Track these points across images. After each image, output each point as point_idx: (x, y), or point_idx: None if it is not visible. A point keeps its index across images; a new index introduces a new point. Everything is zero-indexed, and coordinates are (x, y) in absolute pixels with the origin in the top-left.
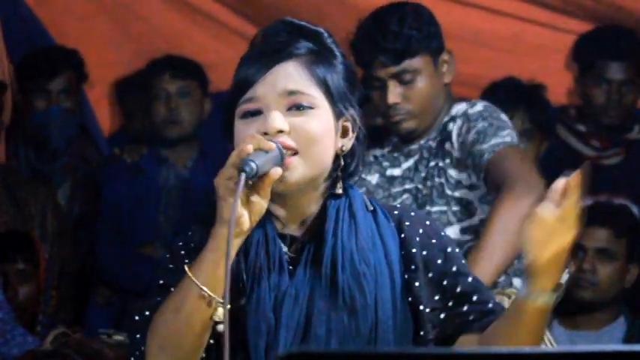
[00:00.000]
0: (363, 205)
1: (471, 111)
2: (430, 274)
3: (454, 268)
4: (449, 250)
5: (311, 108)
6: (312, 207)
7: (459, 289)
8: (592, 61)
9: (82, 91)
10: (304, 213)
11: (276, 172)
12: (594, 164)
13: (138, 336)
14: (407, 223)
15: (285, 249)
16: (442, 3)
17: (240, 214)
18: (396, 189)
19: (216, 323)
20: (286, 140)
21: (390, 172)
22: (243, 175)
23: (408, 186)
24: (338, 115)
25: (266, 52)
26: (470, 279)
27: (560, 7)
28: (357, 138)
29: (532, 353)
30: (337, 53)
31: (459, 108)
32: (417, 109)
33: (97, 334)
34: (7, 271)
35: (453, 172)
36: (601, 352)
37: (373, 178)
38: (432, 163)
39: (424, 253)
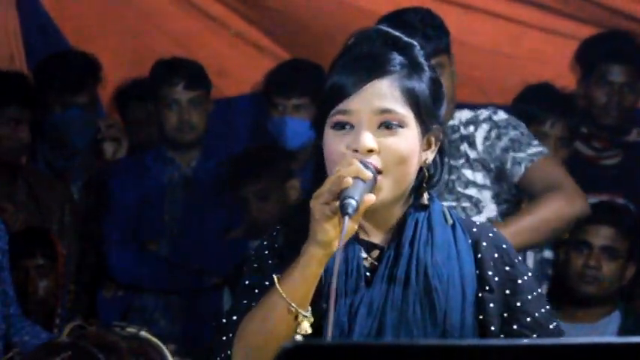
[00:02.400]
0: (442, 218)
1: (496, 118)
2: (497, 302)
3: (518, 304)
4: (519, 281)
5: (401, 127)
6: (395, 217)
7: (515, 327)
8: (595, 63)
9: (97, 94)
10: (386, 223)
11: (370, 199)
12: (594, 164)
13: (224, 338)
14: (484, 244)
15: (364, 255)
16: (442, 6)
17: (334, 237)
18: None
19: (303, 336)
20: (375, 162)
21: None
22: (347, 219)
23: None
24: (424, 131)
25: (362, 65)
26: (529, 319)
27: (560, 10)
28: (439, 150)
29: (533, 345)
30: (426, 68)
31: (478, 113)
32: None
33: (111, 326)
34: (27, 267)
35: (467, 172)
36: (599, 343)
37: None
38: None
39: (496, 279)
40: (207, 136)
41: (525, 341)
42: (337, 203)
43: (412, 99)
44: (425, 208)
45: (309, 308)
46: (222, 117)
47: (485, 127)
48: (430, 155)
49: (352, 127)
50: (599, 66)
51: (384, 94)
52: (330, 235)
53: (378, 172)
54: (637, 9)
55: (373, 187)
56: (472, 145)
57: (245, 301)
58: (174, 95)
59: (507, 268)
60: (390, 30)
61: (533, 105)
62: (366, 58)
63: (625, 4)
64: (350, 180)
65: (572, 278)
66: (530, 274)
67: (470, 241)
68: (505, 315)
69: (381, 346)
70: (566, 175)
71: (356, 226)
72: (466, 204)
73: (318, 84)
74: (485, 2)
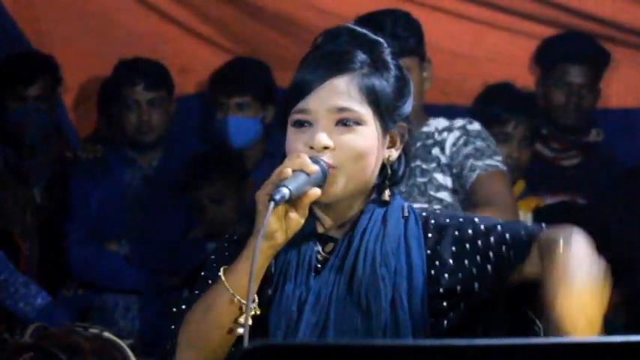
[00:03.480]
0: (399, 212)
1: (470, 127)
2: (451, 260)
3: (483, 228)
4: (480, 229)
5: (358, 124)
6: (353, 212)
7: (492, 240)
8: (553, 64)
9: (57, 95)
10: (345, 217)
11: (315, 193)
12: (553, 165)
13: (172, 327)
14: (432, 222)
15: (318, 248)
16: (402, 6)
17: (276, 229)
18: None
19: (242, 326)
20: (329, 159)
21: None
22: (271, 204)
23: None
24: (385, 129)
25: (323, 63)
26: (499, 227)
27: (520, 11)
28: (403, 148)
29: (489, 345)
30: (391, 66)
31: (454, 122)
32: None
33: (74, 327)
34: None
35: (438, 176)
36: (559, 343)
37: None
38: (413, 165)
39: (454, 249)
40: (169, 135)
41: (522, 341)
42: None
43: (371, 97)
44: (385, 204)
45: (255, 298)
46: (185, 115)
47: (457, 133)
48: (395, 153)
49: (311, 124)
50: (557, 67)
51: (342, 92)
52: (272, 226)
53: (332, 167)
54: (596, 9)
55: (322, 182)
56: (443, 149)
57: (197, 292)
58: (134, 96)
59: (456, 233)
60: (357, 28)
61: (495, 105)
62: (329, 55)
63: (584, 4)
64: (289, 171)
65: None
66: (482, 221)
67: (420, 223)
68: (484, 250)
69: (340, 347)
70: (508, 193)
71: (302, 220)
72: (437, 206)
73: (262, 82)
74: (445, 2)
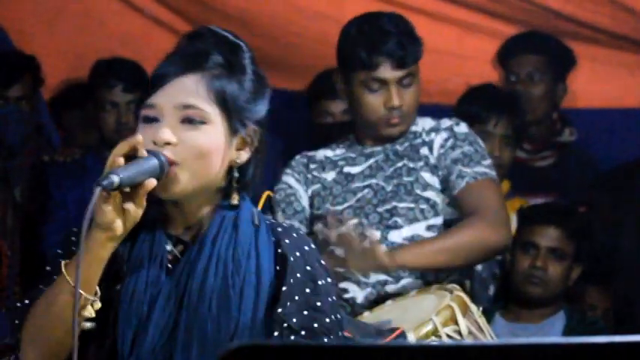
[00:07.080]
0: (249, 218)
1: (457, 129)
2: (297, 297)
3: (318, 304)
4: (319, 282)
5: (203, 123)
6: (202, 214)
7: (315, 325)
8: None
9: (39, 94)
10: (193, 218)
11: (151, 183)
12: (528, 166)
13: (16, 322)
14: (286, 241)
15: (169, 247)
16: (386, 7)
17: (113, 220)
18: (356, 184)
19: (87, 320)
20: (171, 155)
21: (347, 169)
22: (97, 189)
23: (369, 182)
24: (234, 130)
25: (177, 61)
26: (327, 320)
27: (501, 13)
28: (255, 151)
29: (471, 346)
30: (248, 70)
31: (440, 122)
32: (410, 112)
33: None
34: None
35: (425, 175)
36: (544, 344)
37: (329, 176)
38: (400, 164)
39: (298, 275)
40: None
41: (522, 341)
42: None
43: (219, 97)
44: (234, 208)
45: (97, 291)
46: None
47: (444, 134)
48: (244, 155)
49: (158, 120)
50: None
51: (189, 89)
52: (108, 216)
53: (173, 163)
54: (571, 9)
55: (160, 175)
56: (431, 149)
57: (41, 286)
58: (112, 98)
59: (308, 268)
60: (220, 30)
61: (476, 105)
62: (184, 55)
63: (564, 6)
64: (121, 160)
65: (519, 279)
66: (329, 279)
67: (273, 239)
68: (305, 313)
69: (329, 348)
70: (500, 202)
71: (139, 211)
72: (424, 206)
73: None
74: (428, 4)
